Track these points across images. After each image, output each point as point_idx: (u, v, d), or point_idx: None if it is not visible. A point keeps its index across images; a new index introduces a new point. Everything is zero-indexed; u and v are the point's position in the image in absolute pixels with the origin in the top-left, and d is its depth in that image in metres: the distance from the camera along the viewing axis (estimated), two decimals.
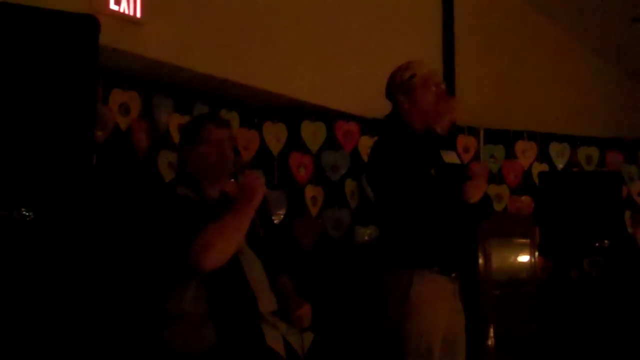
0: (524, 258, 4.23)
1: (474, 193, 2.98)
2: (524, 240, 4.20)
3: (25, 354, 2.08)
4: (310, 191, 4.55)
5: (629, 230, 5.17)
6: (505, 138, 5.23)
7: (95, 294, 2.51)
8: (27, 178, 2.04)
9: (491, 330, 3.93)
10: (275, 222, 4.40)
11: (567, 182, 4.19)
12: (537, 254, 4.32)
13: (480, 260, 4.01)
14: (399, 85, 3.09)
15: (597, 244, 3.97)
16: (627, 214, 5.18)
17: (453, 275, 3.02)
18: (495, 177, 5.16)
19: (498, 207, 5.03)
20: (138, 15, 3.48)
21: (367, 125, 4.70)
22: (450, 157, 3.16)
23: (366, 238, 4.57)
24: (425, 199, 2.93)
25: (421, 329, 2.90)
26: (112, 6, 3.37)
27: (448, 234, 2.97)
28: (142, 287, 2.90)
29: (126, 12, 3.44)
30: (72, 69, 2.23)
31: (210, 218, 2.60)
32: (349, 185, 4.66)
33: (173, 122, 3.96)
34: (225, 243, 2.55)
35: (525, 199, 5.17)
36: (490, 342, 3.93)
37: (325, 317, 3.44)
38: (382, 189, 3.07)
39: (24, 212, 1.93)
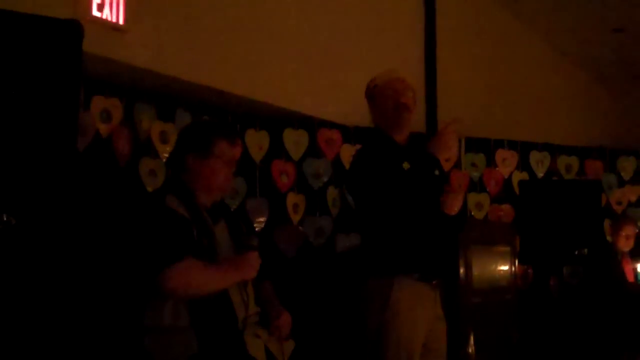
0: (504, 266, 4.26)
1: (453, 205, 3.00)
2: (504, 248, 4.23)
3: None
4: (292, 199, 4.55)
5: (608, 238, 5.22)
6: (486, 147, 5.26)
7: (75, 301, 2.49)
8: (9, 183, 2.02)
9: (471, 337, 3.95)
10: (256, 229, 4.40)
11: (547, 190, 4.22)
12: (517, 262, 4.35)
13: (461, 268, 4.04)
14: (367, 95, 3.19)
15: (576, 252, 3.99)
16: (607, 222, 5.24)
17: (434, 282, 3.03)
18: (476, 186, 5.19)
19: (479, 215, 5.05)
20: (121, 22, 3.49)
21: (349, 133, 4.72)
22: (430, 166, 3.19)
23: (347, 244, 4.58)
24: (403, 206, 2.94)
25: (401, 336, 2.92)
26: (95, 12, 3.37)
27: (428, 241, 2.98)
28: (120, 297, 2.88)
29: (109, 18, 3.44)
30: (55, 74, 2.22)
31: (198, 236, 2.59)
32: (331, 193, 4.67)
33: (155, 129, 3.96)
34: (197, 286, 2.53)
35: (506, 207, 5.21)
36: (470, 349, 3.94)
37: (307, 325, 3.45)
38: (361, 196, 3.09)
39: (5, 218, 1.92)
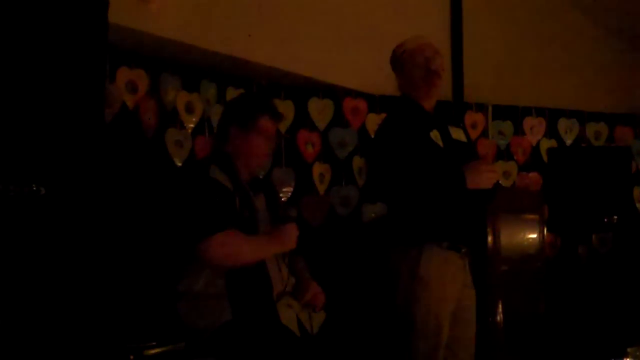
0: (532, 234, 4.21)
1: (474, 179, 2.91)
2: (532, 216, 4.18)
3: (36, 326, 2.10)
4: (317, 169, 4.55)
5: (638, 206, 5.16)
6: (513, 114, 5.20)
7: (108, 270, 2.52)
8: (38, 154, 2.04)
9: (500, 306, 3.93)
10: (282, 200, 4.40)
11: (576, 158, 4.16)
12: (545, 230, 4.30)
13: (489, 236, 4.00)
14: (394, 62, 3.14)
15: (605, 220, 3.94)
16: (636, 189, 5.17)
17: (463, 250, 3.01)
18: (504, 154, 5.14)
19: (506, 183, 5.01)
20: None
21: (374, 102, 4.68)
22: (457, 134, 3.16)
23: (373, 215, 4.56)
24: (431, 174, 2.91)
25: (430, 305, 2.91)
26: None
27: (457, 209, 2.95)
28: (156, 263, 2.91)
29: None
30: (82, 45, 2.22)
31: (241, 206, 2.61)
32: (357, 162, 4.65)
33: (180, 99, 3.96)
34: (238, 256, 2.60)
35: (533, 175, 5.15)
36: (498, 317, 3.92)
37: (335, 296, 3.46)
38: (388, 164, 3.05)
39: (35, 188, 1.93)
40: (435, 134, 2.99)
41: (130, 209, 3.40)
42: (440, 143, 2.99)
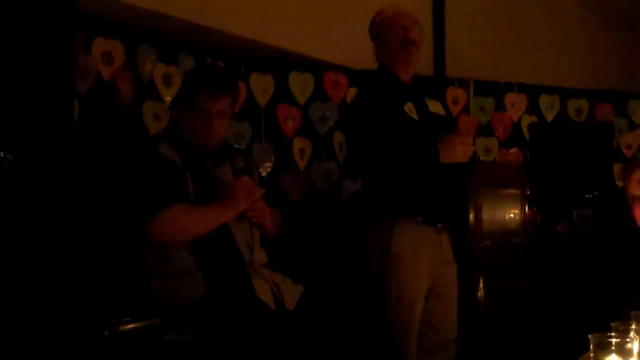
0: (514, 209, 4.19)
1: (447, 153, 2.85)
2: (514, 191, 4.16)
3: (4, 300, 2.04)
4: (298, 143, 4.49)
5: (618, 183, 5.16)
6: (495, 90, 5.17)
7: (76, 241, 2.46)
8: (7, 122, 1.97)
9: (481, 281, 3.92)
10: (262, 174, 4.34)
11: (558, 133, 4.15)
12: (527, 206, 4.28)
13: (471, 211, 3.98)
14: (372, 31, 3.08)
15: (587, 196, 3.93)
16: (617, 166, 5.16)
17: (439, 225, 2.97)
18: (485, 130, 5.11)
19: (487, 159, 4.99)
20: None
21: (355, 76, 4.62)
22: (435, 107, 3.11)
23: (353, 190, 4.52)
24: (402, 148, 2.85)
25: (403, 281, 2.87)
26: None
27: (430, 184, 2.90)
28: (121, 239, 2.85)
29: None
30: (51, 10, 2.15)
31: (189, 182, 2.55)
32: (337, 137, 4.60)
33: (157, 71, 3.88)
34: (185, 229, 2.53)
35: (514, 151, 5.13)
36: (480, 293, 3.92)
37: (314, 271, 3.42)
38: (360, 137, 2.97)
39: (3, 155, 1.87)
40: (409, 107, 2.94)
41: (98, 183, 3.33)
42: (415, 116, 2.93)
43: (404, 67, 3.03)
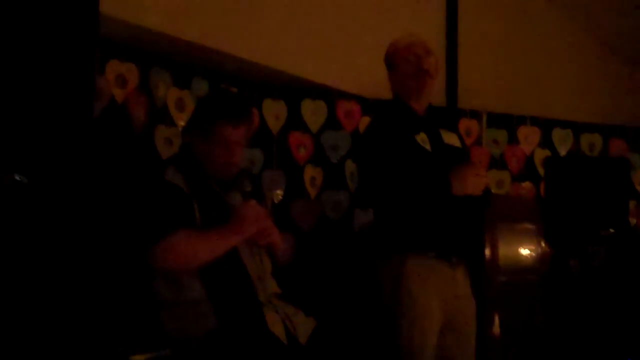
0: (530, 245, 4.12)
1: (459, 185, 2.80)
2: (530, 226, 4.09)
3: (16, 326, 1.98)
4: (309, 172, 4.44)
5: (632, 220, 5.09)
6: (508, 122, 5.12)
7: (90, 265, 2.41)
8: (22, 143, 1.92)
9: (496, 317, 3.84)
10: (273, 201, 4.29)
11: (573, 168, 4.09)
12: (542, 241, 4.21)
13: (487, 245, 3.90)
14: (386, 61, 3.06)
15: (601, 233, 3.87)
16: (631, 203, 5.09)
17: (453, 259, 2.90)
18: (497, 163, 5.06)
19: (499, 192, 4.93)
20: None
21: (369, 105, 4.58)
22: (450, 139, 3.07)
23: (365, 221, 4.46)
24: (414, 180, 2.80)
25: (414, 318, 2.81)
26: None
27: (443, 217, 2.84)
28: (132, 268, 2.79)
29: None
30: (71, 34, 2.11)
31: (201, 209, 2.50)
32: (349, 166, 4.55)
33: (171, 96, 3.85)
34: (191, 256, 2.47)
35: (527, 185, 5.08)
36: (495, 329, 3.83)
37: (325, 303, 3.35)
38: (372, 168, 2.92)
39: (17, 177, 1.82)
40: (422, 137, 2.89)
41: (110, 208, 3.28)
42: (428, 147, 2.89)
43: (418, 97, 3.00)
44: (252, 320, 2.46)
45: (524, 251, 4.06)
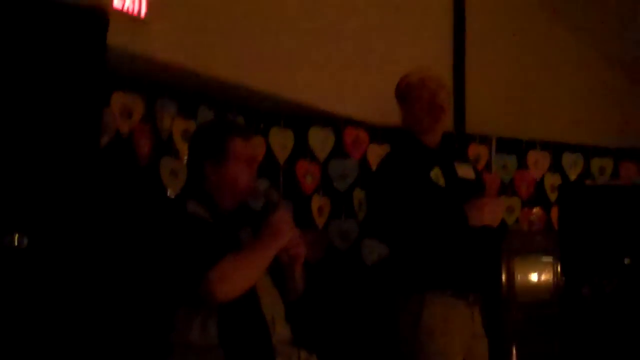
0: (547, 278, 4.03)
1: (475, 216, 2.76)
2: (547, 259, 4.00)
3: None
4: (316, 201, 4.36)
5: None
6: (517, 147, 5.05)
7: (96, 321, 2.32)
8: (21, 203, 1.83)
9: (514, 353, 3.74)
10: None
11: (587, 195, 4.01)
12: (560, 273, 4.11)
13: (504, 281, 3.81)
14: (398, 94, 3.01)
15: (617, 262, 3.78)
16: None
17: (470, 298, 2.83)
18: (507, 189, 4.98)
19: (509, 219, 4.86)
20: (142, 14, 3.31)
21: (376, 132, 4.52)
22: (464, 171, 3.01)
23: (375, 256, 4.37)
24: (431, 217, 2.75)
25: (433, 353, 2.73)
26: (116, 4, 3.18)
27: (460, 254, 2.78)
28: (146, 313, 2.70)
29: (130, 10, 3.26)
30: (79, 70, 2.04)
31: (226, 241, 2.41)
32: (357, 195, 4.47)
33: (177, 127, 3.78)
34: (243, 278, 2.36)
35: (537, 211, 5.00)
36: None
37: (337, 341, 3.26)
38: (387, 205, 2.87)
39: (18, 238, 1.73)
40: (436, 173, 2.83)
41: (121, 250, 3.20)
42: (442, 182, 2.83)
43: (431, 132, 2.96)
44: None
45: (542, 285, 3.97)
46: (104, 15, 2.10)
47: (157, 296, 2.52)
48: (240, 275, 2.36)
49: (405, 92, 3.00)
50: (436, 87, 2.97)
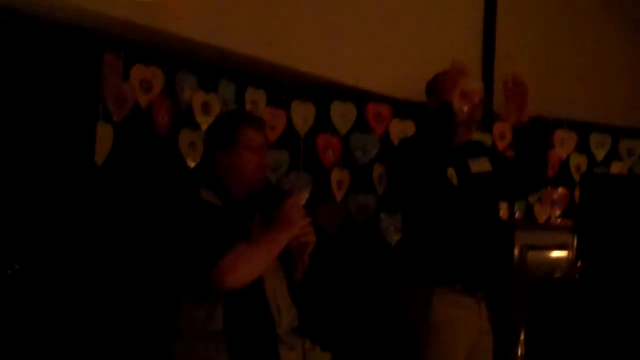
0: (560, 273, 4.00)
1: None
2: (562, 254, 3.97)
3: None
4: (336, 174, 4.36)
5: None
6: (543, 126, 4.96)
7: (104, 308, 2.37)
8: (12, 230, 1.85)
9: (520, 349, 3.73)
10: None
11: (609, 185, 3.95)
12: (575, 263, 4.07)
13: (515, 276, 3.80)
14: (434, 90, 2.95)
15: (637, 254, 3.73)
16: None
17: (478, 294, 2.84)
18: None
19: (532, 198, 4.81)
20: None
21: (399, 107, 4.47)
22: (479, 166, 2.98)
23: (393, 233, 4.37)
24: (445, 211, 2.78)
25: (440, 353, 2.75)
26: None
27: (472, 250, 2.79)
28: (153, 299, 2.75)
29: None
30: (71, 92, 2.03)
31: (237, 229, 2.44)
32: (377, 169, 4.46)
33: (197, 99, 3.79)
34: (253, 266, 2.42)
35: (561, 190, 4.95)
36: (520, 350, 3.73)
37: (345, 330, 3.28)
38: (404, 193, 2.90)
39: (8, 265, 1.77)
40: (450, 173, 2.82)
41: (131, 234, 3.24)
42: (455, 181, 2.81)
43: (458, 138, 2.92)
44: (265, 357, 2.41)
45: (555, 280, 3.93)
46: (99, 40, 2.08)
47: (166, 283, 2.56)
48: (249, 264, 2.41)
49: (446, 93, 2.95)
50: (478, 99, 3.01)
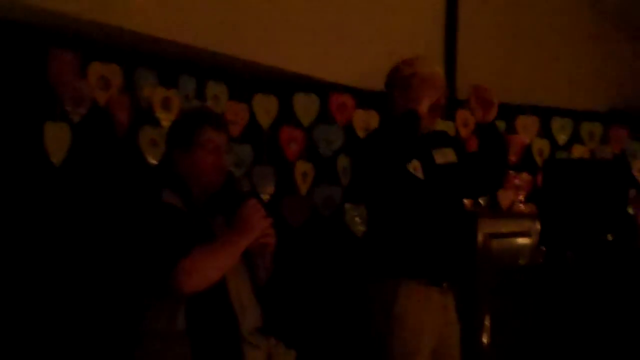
0: (524, 260, 4.04)
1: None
2: (525, 241, 4.00)
3: None
4: (300, 167, 4.34)
5: (630, 210, 4.99)
6: (506, 112, 4.98)
7: (66, 310, 2.34)
8: None
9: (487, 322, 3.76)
10: (263, 199, 4.20)
11: (572, 170, 3.98)
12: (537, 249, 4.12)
13: (478, 266, 3.83)
14: (398, 80, 2.92)
15: (608, 238, 3.78)
16: (631, 191, 4.98)
17: (444, 286, 2.84)
18: None
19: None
20: None
21: (362, 97, 4.46)
22: (444, 156, 2.98)
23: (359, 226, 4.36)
24: (409, 205, 2.77)
25: (406, 346, 2.76)
26: None
27: (437, 242, 2.79)
28: (115, 302, 2.72)
29: None
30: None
31: (199, 231, 2.42)
32: (342, 161, 4.44)
33: (157, 96, 3.73)
34: (212, 270, 2.38)
35: (524, 176, 4.98)
36: (485, 338, 3.77)
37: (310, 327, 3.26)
38: (368, 188, 2.90)
39: None
40: (415, 164, 2.81)
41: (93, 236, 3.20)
42: (421, 175, 2.80)
43: (423, 128, 2.91)
44: (229, 357, 2.39)
45: (518, 264, 3.97)
46: (45, 35, 2.04)
47: (128, 285, 2.53)
48: (209, 267, 2.38)
49: (410, 82, 2.92)
50: (443, 84, 2.97)
